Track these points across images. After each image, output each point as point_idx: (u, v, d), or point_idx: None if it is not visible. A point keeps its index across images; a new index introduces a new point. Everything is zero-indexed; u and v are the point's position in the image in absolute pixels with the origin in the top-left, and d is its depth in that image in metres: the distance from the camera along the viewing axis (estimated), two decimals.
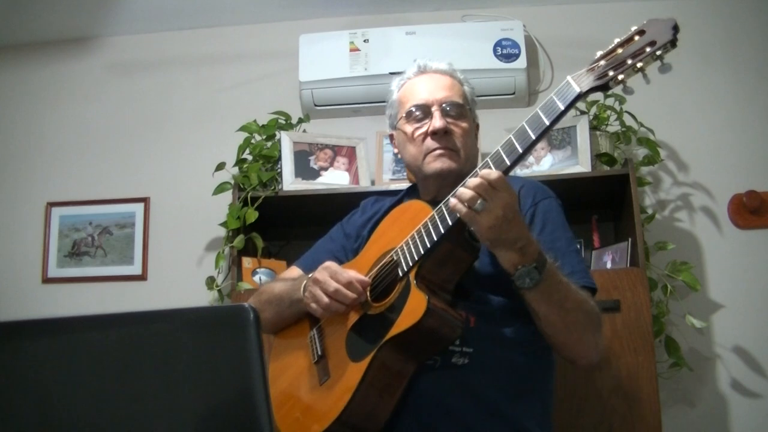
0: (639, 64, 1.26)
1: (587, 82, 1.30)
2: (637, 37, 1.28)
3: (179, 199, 2.88)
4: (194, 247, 2.81)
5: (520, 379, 1.50)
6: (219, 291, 2.55)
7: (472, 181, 1.32)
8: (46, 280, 2.87)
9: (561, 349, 1.50)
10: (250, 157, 2.60)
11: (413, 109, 1.65)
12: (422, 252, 1.42)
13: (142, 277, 2.83)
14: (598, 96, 2.47)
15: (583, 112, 2.52)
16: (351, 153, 2.64)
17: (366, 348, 1.43)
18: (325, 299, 1.50)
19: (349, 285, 1.48)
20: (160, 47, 3.05)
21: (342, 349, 1.50)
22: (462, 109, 1.65)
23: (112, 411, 0.83)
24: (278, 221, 2.62)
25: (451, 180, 1.53)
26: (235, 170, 2.57)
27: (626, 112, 2.51)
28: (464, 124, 1.64)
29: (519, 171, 2.41)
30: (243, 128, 2.61)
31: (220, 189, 2.54)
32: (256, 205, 2.45)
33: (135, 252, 2.86)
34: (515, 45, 2.71)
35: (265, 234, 2.53)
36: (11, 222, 2.94)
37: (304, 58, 2.78)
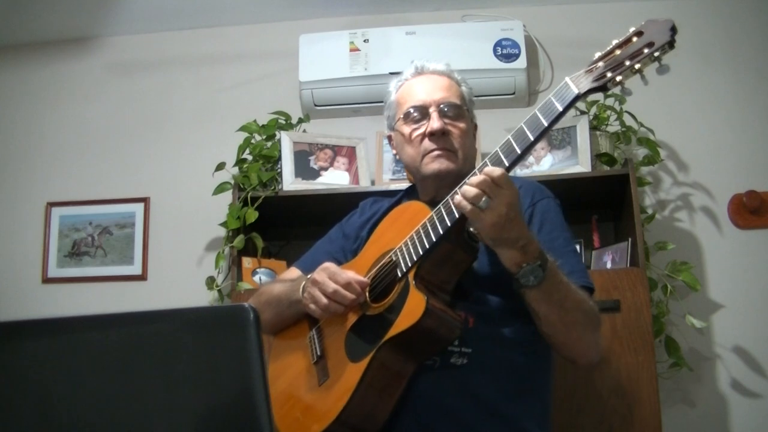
0: (637, 66, 1.26)
1: (585, 83, 1.30)
2: (635, 39, 1.28)
3: (179, 199, 2.88)
4: (194, 247, 2.81)
5: (520, 379, 1.50)
6: (219, 291, 2.56)
7: (476, 178, 1.32)
8: (46, 280, 2.87)
9: (561, 349, 1.50)
10: (250, 157, 2.60)
11: (411, 110, 1.64)
12: (421, 252, 1.42)
13: (142, 277, 2.83)
14: (598, 96, 2.46)
15: (583, 112, 2.52)
16: (351, 153, 2.64)
17: (365, 348, 1.43)
18: (324, 300, 1.50)
19: (347, 286, 1.48)
20: (160, 47, 3.05)
21: (341, 349, 1.50)
22: (459, 110, 1.65)
23: (112, 411, 0.83)
24: (278, 221, 2.62)
25: (449, 181, 1.53)
26: (235, 170, 2.57)
27: (626, 112, 2.51)
28: (462, 125, 1.63)
29: (519, 171, 2.41)
30: (243, 128, 2.61)
31: (220, 189, 2.54)
32: (256, 205, 2.45)
33: (135, 252, 2.86)
34: (515, 45, 2.71)
35: (265, 234, 2.53)
36: (11, 222, 2.94)
37: (304, 58, 2.78)
